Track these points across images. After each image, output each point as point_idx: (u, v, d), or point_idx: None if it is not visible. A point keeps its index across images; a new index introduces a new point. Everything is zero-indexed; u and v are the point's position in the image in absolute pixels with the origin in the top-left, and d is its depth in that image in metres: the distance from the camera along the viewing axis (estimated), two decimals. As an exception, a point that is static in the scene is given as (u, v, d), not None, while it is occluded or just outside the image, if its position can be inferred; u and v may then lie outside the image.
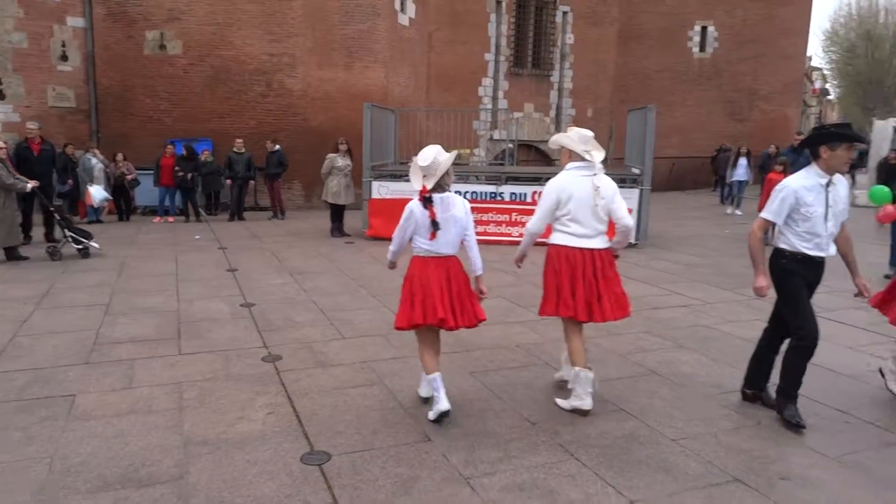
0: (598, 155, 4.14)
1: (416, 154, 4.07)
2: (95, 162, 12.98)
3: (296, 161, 14.42)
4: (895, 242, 8.49)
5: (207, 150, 14.19)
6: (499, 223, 10.84)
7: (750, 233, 4.00)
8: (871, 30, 41.95)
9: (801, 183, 3.84)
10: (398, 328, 4.05)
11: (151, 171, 13.38)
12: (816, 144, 3.84)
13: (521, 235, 6.01)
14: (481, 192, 11.00)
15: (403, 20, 17.14)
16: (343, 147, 11.47)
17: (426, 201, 3.92)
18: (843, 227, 3.96)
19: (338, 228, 11.59)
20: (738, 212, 15.76)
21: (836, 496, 3.19)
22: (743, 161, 15.85)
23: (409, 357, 5.00)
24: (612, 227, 4.23)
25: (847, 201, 3.94)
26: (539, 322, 5.77)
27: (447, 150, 4.06)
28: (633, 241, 10.41)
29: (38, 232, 10.50)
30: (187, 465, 3.41)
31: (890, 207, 7.83)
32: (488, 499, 3.13)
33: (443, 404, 3.90)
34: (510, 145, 16.78)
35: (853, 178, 17.44)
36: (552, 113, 22.91)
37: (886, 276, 8.43)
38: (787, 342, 4.05)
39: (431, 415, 3.96)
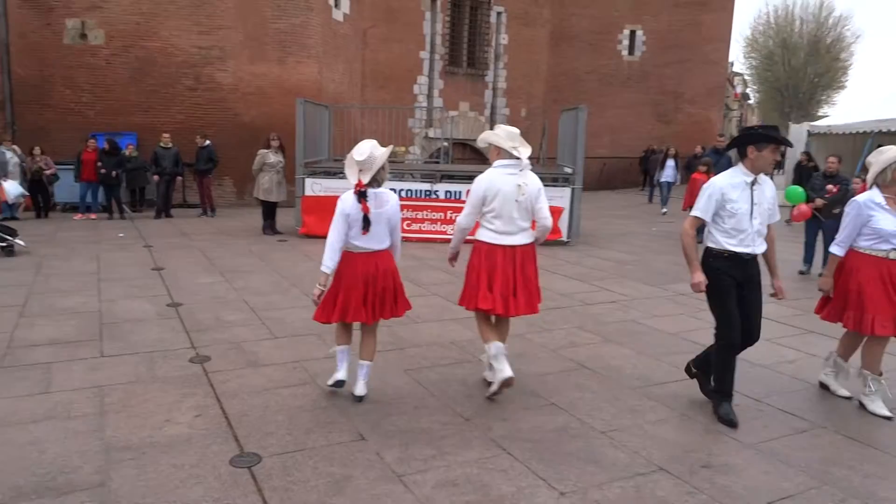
0: (525, 151, 4.23)
1: (350, 151, 4.06)
2: (10, 156, 12.28)
3: (227, 157, 14.03)
4: (809, 240, 8.94)
5: (132, 145, 13.68)
6: (433, 221, 10.86)
7: (682, 232, 4.10)
8: (788, 38, 44.26)
9: (727, 181, 3.99)
10: (315, 320, 4.20)
11: (72, 167, 12.79)
12: (744, 144, 3.98)
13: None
14: (416, 190, 11.01)
15: (338, 15, 16.96)
16: (275, 143, 11.22)
17: (360, 196, 3.91)
18: (770, 228, 4.09)
19: (270, 226, 11.36)
20: (664, 209, 16.34)
21: (752, 481, 3.35)
22: (671, 162, 16.57)
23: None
24: (534, 222, 4.35)
25: (774, 202, 4.06)
26: (474, 319, 5.79)
27: (383, 146, 4.07)
28: (565, 238, 10.71)
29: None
30: (109, 471, 3.27)
31: (804, 206, 8.29)
32: (422, 496, 3.13)
33: (340, 375, 4.21)
34: (446, 144, 16.85)
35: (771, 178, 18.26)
36: (487, 112, 23.15)
37: (801, 273, 8.90)
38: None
39: (328, 382, 4.26)
